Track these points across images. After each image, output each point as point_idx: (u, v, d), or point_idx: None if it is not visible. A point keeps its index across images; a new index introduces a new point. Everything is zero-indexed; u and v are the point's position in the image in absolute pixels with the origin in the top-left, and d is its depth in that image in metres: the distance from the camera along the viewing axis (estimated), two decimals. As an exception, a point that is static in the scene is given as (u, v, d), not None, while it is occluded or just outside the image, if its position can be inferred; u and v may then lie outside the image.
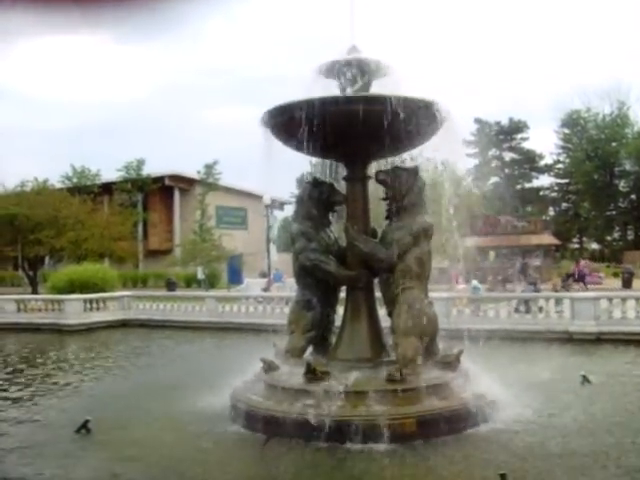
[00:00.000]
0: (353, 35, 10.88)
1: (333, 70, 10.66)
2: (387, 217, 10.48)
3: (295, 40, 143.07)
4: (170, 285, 44.71)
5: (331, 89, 10.64)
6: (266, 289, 35.74)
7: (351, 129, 9.61)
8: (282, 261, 42.17)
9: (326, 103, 9.39)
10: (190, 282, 50.79)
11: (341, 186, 11.23)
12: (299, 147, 10.61)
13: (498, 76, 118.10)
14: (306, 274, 10.83)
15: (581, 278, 36.57)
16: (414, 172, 10.33)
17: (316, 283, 10.77)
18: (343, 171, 11.16)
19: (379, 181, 10.47)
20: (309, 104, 9.34)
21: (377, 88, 10.70)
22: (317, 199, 10.84)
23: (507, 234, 49.85)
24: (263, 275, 44.10)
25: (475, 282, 25.64)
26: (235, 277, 50.72)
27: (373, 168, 11.21)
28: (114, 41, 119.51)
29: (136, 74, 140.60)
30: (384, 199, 10.51)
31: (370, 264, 10.45)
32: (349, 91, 10.54)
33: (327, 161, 11.78)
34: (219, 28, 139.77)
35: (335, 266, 10.64)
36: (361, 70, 10.54)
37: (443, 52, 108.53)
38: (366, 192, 10.96)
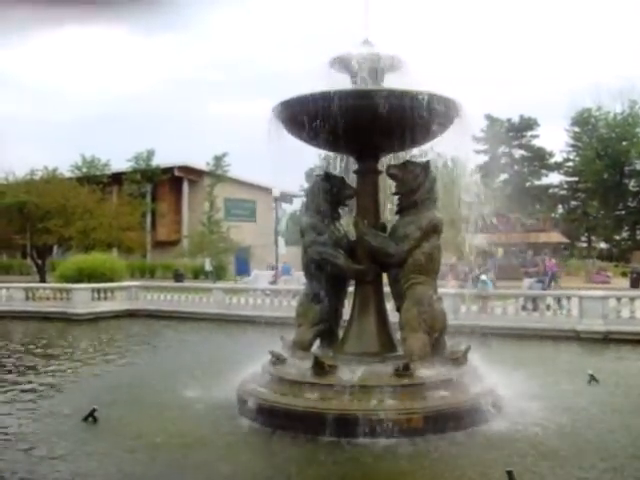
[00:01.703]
0: (367, 28, 10.85)
1: (345, 63, 10.63)
2: (398, 212, 10.47)
3: (306, 34, 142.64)
4: (178, 276, 44.76)
5: (343, 83, 10.60)
6: (273, 282, 35.76)
7: (364, 123, 9.56)
8: (290, 254, 42.23)
9: (339, 96, 9.35)
10: (197, 273, 50.84)
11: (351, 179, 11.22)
12: (311, 140, 10.61)
13: (509, 73, 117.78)
14: (315, 267, 10.79)
15: (550, 276, 35.96)
16: (425, 167, 10.30)
17: (325, 276, 10.72)
18: (354, 165, 11.13)
19: (390, 175, 10.46)
20: (323, 97, 9.33)
21: (389, 82, 10.67)
22: (327, 192, 10.79)
23: (516, 231, 49.75)
24: (271, 268, 44.15)
25: (484, 277, 25.47)
26: (243, 269, 50.81)
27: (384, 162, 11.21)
28: (125, 33, 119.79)
29: (147, 66, 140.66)
30: (395, 194, 10.50)
31: (379, 258, 10.43)
32: (361, 85, 10.49)
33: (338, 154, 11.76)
34: (230, 21, 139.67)
35: (344, 260, 10.61)
36: (374, 64, 10.50)
37: (455, 48, 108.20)
38: (377, 186, 10.93)
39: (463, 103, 10.12)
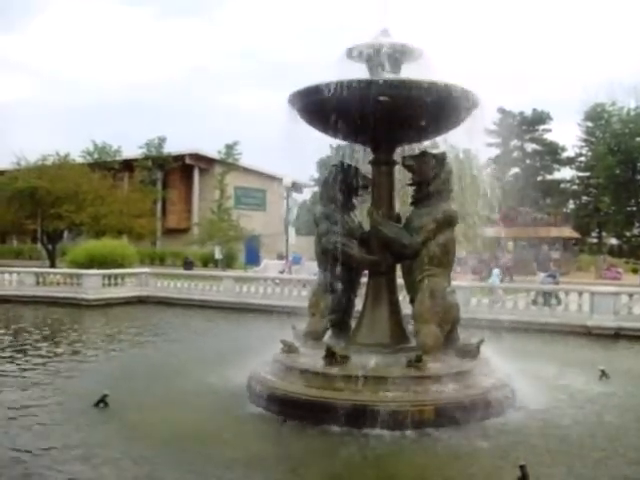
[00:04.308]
0: (384, 19, 10.79)
1: (363, 53, 10.56)
2: (413, 203, 10.43)
3: (324, 23, 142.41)
4: (187, 264, 44.79)
5: (361, 73, 10.54)
6: (283, 271, 35.73)
7: (380, 113, 9.50)
8: (300, 244, 42.20)
9: (357, 86, 9.30)
10: (207, 261, 50.87)
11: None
12: (326, 129, 10.57)
13: (523, 66, 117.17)
14: (328, 257, 10.76)
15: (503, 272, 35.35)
16: (441, 159, 10.26)
17: (338, 266, 10.70)
18: (369, 155, 11.07)
19: (406, 166, 10.42)
20: (339, 86, 9.28)
21: (407, 73, 10.62)
22: (342, 182, 10.76)
23: (526, 225, 49.56)
24: (280, 257, 44.12)
25: (497, 270, 25.71)
26: (252, 258, 50.82)
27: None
28: (141, 19, 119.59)
29: (160, 53, 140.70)
30: (410, 185, 10.46)
31: (393, 249, 10.40)
32: (379, 75, 10.43)
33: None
34: (245, 8, 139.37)
35: (358, 250, 10.60)
36: (391, 54, 10.44)
37: (469, 41, 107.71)
38: (392, 177, 10.89)
39: (479, 95, 10.08)
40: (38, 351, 14.81)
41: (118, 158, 62.71)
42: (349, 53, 10.59)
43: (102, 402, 9.56)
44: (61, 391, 10.80)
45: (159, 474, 7.19)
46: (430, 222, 9.93)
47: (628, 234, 76.88)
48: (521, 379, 10.36)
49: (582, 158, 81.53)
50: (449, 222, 10.09)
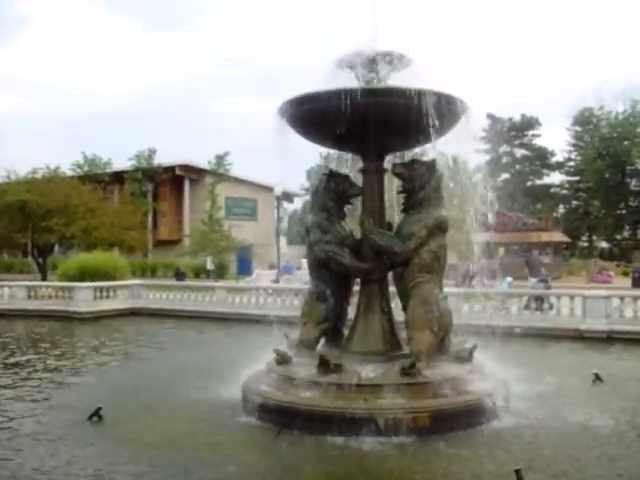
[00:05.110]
0: (373, 26, 10.83)
1: (352, 61, 10.59)
2: (403, 210, 10.45)
3: (312, 32, 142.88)
4: (179, 275, 44.73)
5: (350, 81, 10.57)
6: (275, 281, 35.70)
7: (369, 121, 9.53)
8: (291, 253, 42.19)
9: (345, 95, 9.31)
10: (199, 272, 50.83)
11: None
12: (316, 138, 10.58)
13: (511, 72, 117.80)
14: (320, 266, 10.77)
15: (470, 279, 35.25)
16: (431, 165, 10.28)
17: (330, 275, 10.70)
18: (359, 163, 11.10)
19: (396, 174, 10.43)
20: (329, 95, 9.30)
21: (396, 80, 10.64)
22: (333, 191, 10.77)
23: (517, 231, 49.72)
24: (272, 266, 44.11)
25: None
26: (245, 268, 50.77)
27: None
28: (131, 30, 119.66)
29: (148, 64, 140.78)
30: (400, 192, 10.47)
31: (385, 257, 10.41)
32: (367, 83, 10.46)
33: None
34: (234, 18, 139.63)
35: (350, 258, 10.58)
36: (380, 62, 10.47)
37: (457, 46, 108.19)
38: (382, 185, 10.90)
39: (468, 102, 10.12)
40: (29, 364, 14.76)
41: (108, 170, 62.70)
42: (339, 62, 10.60)
43: (96, 415, 9.51)
44: (55, 404, 10.75)
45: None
46: (421, 229, 9.93)
47: (618, 237, 77.43)
48: (515, 384, 10.39)
49: (571, 163, 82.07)
50: (440, 228, 10.10)
